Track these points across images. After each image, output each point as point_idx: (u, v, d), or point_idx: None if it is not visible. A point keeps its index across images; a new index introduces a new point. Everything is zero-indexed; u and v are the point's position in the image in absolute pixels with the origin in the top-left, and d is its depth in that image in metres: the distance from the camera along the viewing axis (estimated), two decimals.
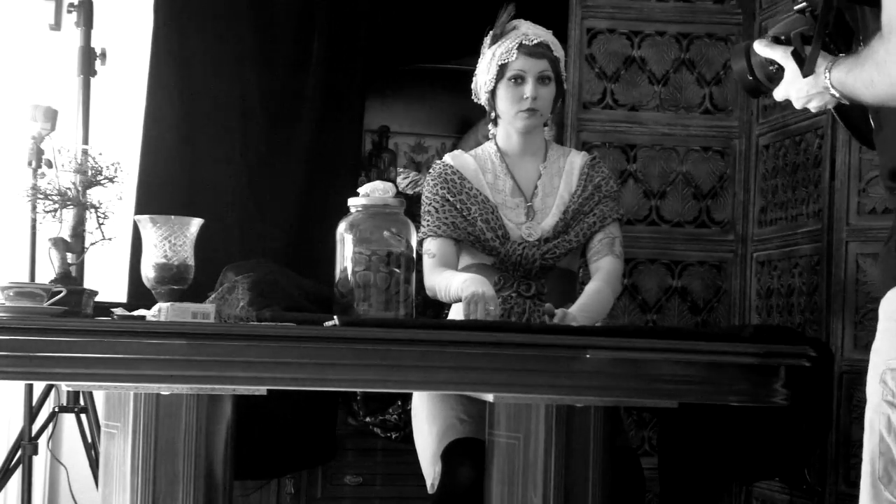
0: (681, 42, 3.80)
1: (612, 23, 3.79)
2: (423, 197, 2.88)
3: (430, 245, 2.81)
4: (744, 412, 2.61)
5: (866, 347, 3.06)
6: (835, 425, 3.11)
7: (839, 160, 3.25)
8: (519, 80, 2.80)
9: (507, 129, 2.90)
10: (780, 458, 2.98)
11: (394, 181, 4.44)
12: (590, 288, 2.78)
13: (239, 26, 3.65)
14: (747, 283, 3.72)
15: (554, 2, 3.71)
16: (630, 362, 2.18)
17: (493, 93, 2.85)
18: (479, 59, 2.89)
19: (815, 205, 3.36)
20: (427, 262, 2.80)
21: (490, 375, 2.17)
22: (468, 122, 4.94)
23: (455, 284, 2.64)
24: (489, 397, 2.23)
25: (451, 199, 2.82)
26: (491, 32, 2.86)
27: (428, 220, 2.82)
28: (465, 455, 2.54)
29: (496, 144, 2.92)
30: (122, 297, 3.39)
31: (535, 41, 2.80)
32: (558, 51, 2.86)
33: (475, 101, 2.95)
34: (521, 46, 2.79)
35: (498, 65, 2.81)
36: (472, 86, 2.93)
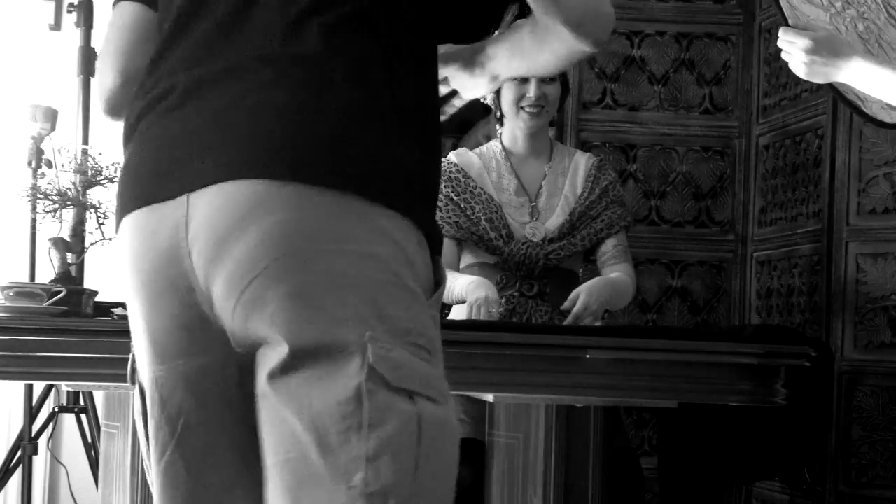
0: (681, 42, 3.79)
1: None
2: None
3: None
4: (744, 412, 2.61)
5: (866, 347, 3.08)
6: (835, 425, 3.11)
7: (839, 160, 3.25)
8: (522, 79, 2.79)
9: (512, 129, 2.89)
10: (780, 458, 2.98)
11: None
12: (614, 274, 2.81)
13: None
14: (747, 284, 3.72)
15: None
16: (630, 362, 2.17)
17: (497, 92, 2.84)
18: None
19: (815, 205, 3.36)
20: None
21: (490, 375, 2.16)
22: (468, 122, 4.94)
23: (459, 286, 2.64)
24: (489, 397, 2.23)
25: (455, 197, 2.82)
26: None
27: None
28: (464, 455, 2.53)
29: (501, 143, 2.92)
30: (122, 297, 3.38)
31: None
32: None
33: (481, 99, 2.94)
34: None
35: None
36: None
